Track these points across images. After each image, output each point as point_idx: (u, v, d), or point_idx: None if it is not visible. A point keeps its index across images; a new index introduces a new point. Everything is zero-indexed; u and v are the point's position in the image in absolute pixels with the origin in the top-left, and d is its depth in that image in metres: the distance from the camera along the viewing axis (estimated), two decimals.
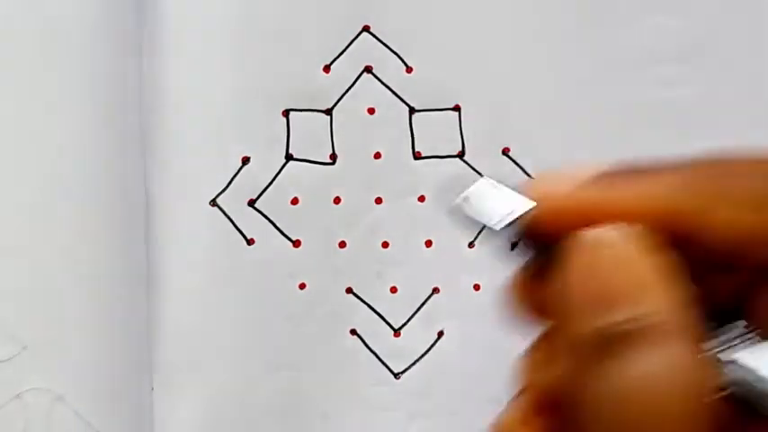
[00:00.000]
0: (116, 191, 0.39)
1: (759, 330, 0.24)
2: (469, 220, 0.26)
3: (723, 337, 0.24)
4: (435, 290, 0.40)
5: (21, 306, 0.39)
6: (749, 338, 0.24)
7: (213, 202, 0.38)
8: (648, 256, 0.24)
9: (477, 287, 0.40)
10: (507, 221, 0.24)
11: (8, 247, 0.39)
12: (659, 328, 0.23)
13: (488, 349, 0.40)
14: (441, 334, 0.40)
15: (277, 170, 0.39)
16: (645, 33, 0.40)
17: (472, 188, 0.26)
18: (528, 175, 0.40)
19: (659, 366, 0.23)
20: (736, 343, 0.24)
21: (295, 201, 0.39)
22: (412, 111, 0.39)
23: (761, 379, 0.23)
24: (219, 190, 0.38)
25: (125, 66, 0.39)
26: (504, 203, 0.24)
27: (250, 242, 0.39)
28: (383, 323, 0.40)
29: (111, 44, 0.39)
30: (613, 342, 0.23)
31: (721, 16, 0.40)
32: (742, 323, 0.24)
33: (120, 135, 0.39)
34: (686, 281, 0.24)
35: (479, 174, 0.40)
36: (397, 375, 0.40)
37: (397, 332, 0.40)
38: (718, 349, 0.24)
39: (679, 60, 0.40)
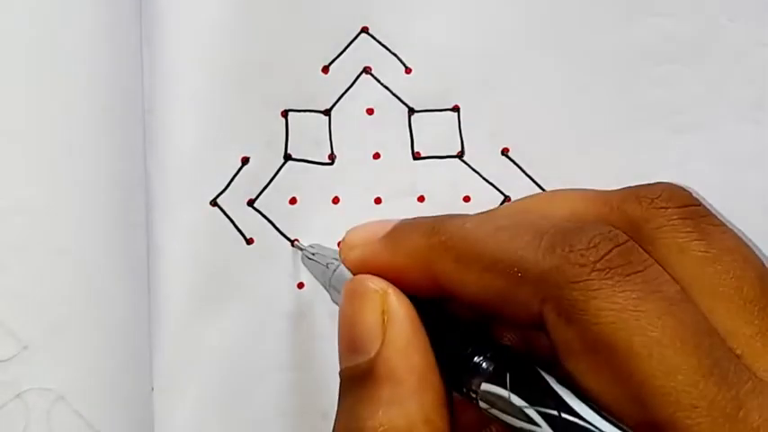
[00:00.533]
0: (116, 191, 0.39)
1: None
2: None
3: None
4: None
5: (21, 306, 0.39)
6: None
7: (213, 203, 0.38)
8: (391, 305, 0.27)
9: None
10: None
11: (8, 247, 0.39)
12: (385, 371, 0.25)
13: None
14: None
15: (276, 170, 0.39)
16: (645, 33, 0.40)
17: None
18: (528, 175, 0.40)
19: (379, 407, 0.25)
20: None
21: (294, 201, 0.39)
22: (411, 111, 0.39)
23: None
24: (220, 190, 0.38)
25: (125, 66, 0.39)
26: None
27: (250, 242, 0.39)
28: None
29: (111, 44, 0.39)
30: (353, 382, 0.25)
31: (721, 16, 0.40)
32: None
33: (120, 135, 0.39)
34: (433, 325, 0.27)
35: (479, 174, 0.40)
36: None
37: None
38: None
39: (679, 60, 0.40)
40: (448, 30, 0.39)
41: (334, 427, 0.27)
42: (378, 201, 0.39)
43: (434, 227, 0.28)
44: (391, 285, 0.28)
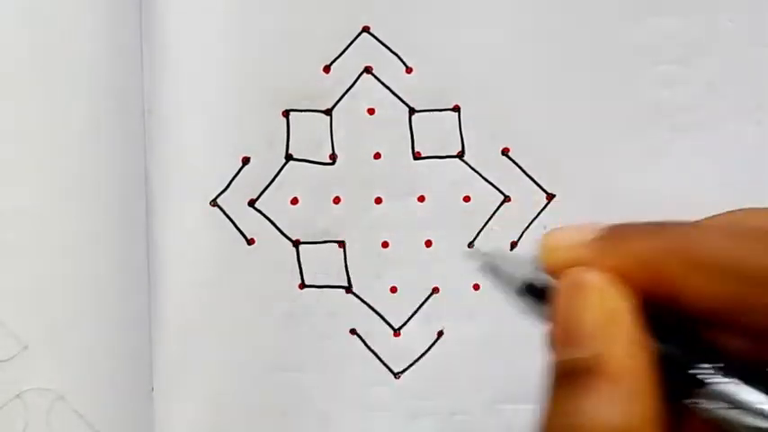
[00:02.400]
0: (116, 191, 0.39)
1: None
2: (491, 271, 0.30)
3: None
4: (435, 290, 0.40)
5: (21, 306, 0.39)
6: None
7: (214, 202, 0.38)
8: (615, 302, 0.26)
9: (476, 287, 0.40)
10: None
11: (8, 246, 0.39)
12: (610, 369, 0.25)
13: (488, 349, 0.40)
14: (441, 334, 0.40)
15: (277, 170, 0.39)
16: (645, 33, 0.40)
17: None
18: (528, 175, 0.40)
19: (599, 404, 0.25)
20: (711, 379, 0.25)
21: (295, 201, 0.39)
22: (412, 111, 0.39)
23: (738, 402, 0.24)
24: (220, 190, 0.38)
25: (125, 66, 0.39)
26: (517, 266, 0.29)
27: (250, 242, 0.39)
28: (383, 323, 0.40)
29: (111, 44, 0.39)
30: (571, 376, 0.25)
31: (721, 16, 0.40)
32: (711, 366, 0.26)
33: (121, 135, 0.39)
34: (650, 328, 0.26)
35: (479, 174, 0.40)
36: (397, 375, 0.40)
37: (397, 332, 0.40)
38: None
39: (679, 60, 0.40)
40: (448, 30, 0.39)
41: (544, 421, 0.26)
42: (378, 200, 0.39)
43: (656, 230, 0.27)
44: (621, 282, 0.27)
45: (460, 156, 0.40)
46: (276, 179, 0.39)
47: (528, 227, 0.40)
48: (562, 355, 0.26)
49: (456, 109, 0.40)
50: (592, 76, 0.40)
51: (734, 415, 0.25)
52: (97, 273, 0.39)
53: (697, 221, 0.29)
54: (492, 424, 0.40)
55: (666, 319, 0.28)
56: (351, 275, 0.40)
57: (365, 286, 0.40)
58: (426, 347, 0.40)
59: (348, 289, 0.40)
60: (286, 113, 0.39)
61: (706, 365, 0.25)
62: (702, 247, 0.25)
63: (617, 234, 0.28)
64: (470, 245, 0.40)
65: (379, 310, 0.40)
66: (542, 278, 0.30)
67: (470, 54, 0.39)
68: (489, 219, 0.40)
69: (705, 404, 0.25)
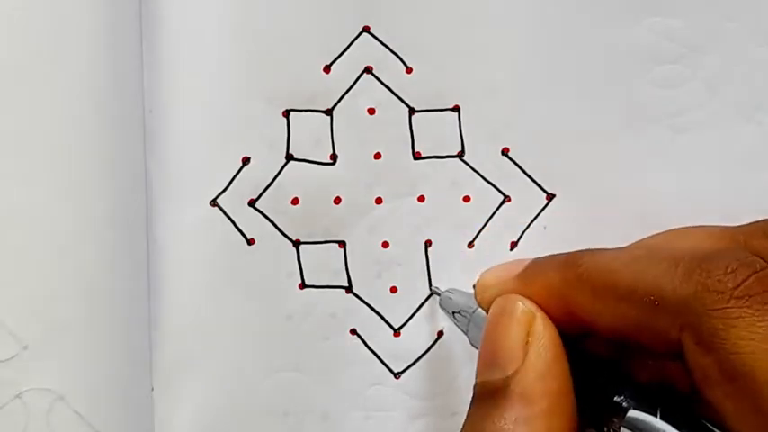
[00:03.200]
0: (116, 191, 0.39)
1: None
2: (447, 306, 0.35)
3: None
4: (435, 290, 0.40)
5: (21, 306, 0.39)
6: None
7: (214, 203, 0.38)
8: (534, 327, 0.27)
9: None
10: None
11: (8, 246, 0.39)
12: (521, 390, 0.25)
13: None
14: (441, 334, 0.40)
15: (277, 170, 0.39)
16: (645, 33, 0.40)
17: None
18: (528, 175, 0.40)
19: (506, 424, 0.25)
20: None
21: (295, 201, 0.39)
22: (412, 111, 0.39)
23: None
24: (220, 190, 0.38)
25: (125, 66, 0.39)
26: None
27: (250, 242, 0.39)
28: (383, 323, 0.40)
29: (111, 44, 0.39)
30: (485, 397, 0.26)
31: (721, 16, 0.40)
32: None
33: (121, 135, 0.39)
34: (575, 357, 0.27)
35: (479, 174, 0.40)
36: (397, 375, 0.40)
37: (397, 332, 0.40)
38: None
39: (679, 60, 0.40)
40: (449, 30, 0.39)
41: None
42: (378, 201, 0.39)
43: (569, 261, 0.28)
44: (539, 310, 0.28)
45: (460, 156, 0.40)
46: (276, 179, 0.39)
47: (528, 227, 0.40)
48: (482, 376, 0.27)
49: (456, 109, 0.40)
50: (592, 76, 0.40)
51: None
52: (97, 273, 0.39)
53: (625, 246, 0.30)
54: None
55: (591, 350, 0.28)
56: (351, 275, 0.40)
57: (365, 286, 0.40)
58: (426, 347, 0.40)
59: (348, 289, 0.40)
60: (286, 113, 0.39)
61: (623, 396, 0.26)
62: (607, 275, 0.26)
63: (536, 268, 0.29)
64: (470, 245, 0.40)
65: (379, 310, 0.40)
66: (483, 317, 0.31)
67: (470, 54, 0.39)
68: (489, 219, 0.40)
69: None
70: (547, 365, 0.26)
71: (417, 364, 0.40)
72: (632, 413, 0.25)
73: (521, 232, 0.40)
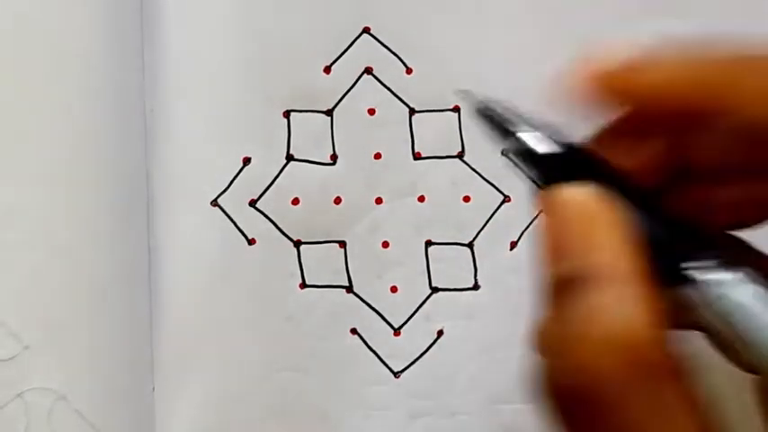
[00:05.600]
0: (116, 191, 0.39)
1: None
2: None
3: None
4: (435, 290, 0.40)
5: (22, 306, 0.39)
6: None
7: (214, 203, 0.38)
8: (598, 211, 0.26)
9: (476, 287, 0.40)
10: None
11: (8, 246, 0.39)
12: (602, 275, 0.25)
13: (488, 349, 0.40)
14: (441, 333, 0.40)
15: (278, 170, 0.39)
16: (645, 34, 0.40)
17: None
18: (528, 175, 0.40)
19: (594, 310, 0.25)
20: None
21: (296, 201, 0.39)
22: (412, 111, 0.39)
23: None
24: (221, 190, 0.38)
25: (126, 66, 0.39)
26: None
27: (251, 242, 0.39)
28: (383, 323, 0.40)
29: (113, 44, 0.39)
30: (565, 288, 0.25)
31: (721, 17, 0.40)
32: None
33: (121, 135, 0.39)
34: (643, 225, 0.26)
35: (479, 174, 0.40)
36: (396, 375, 0.40)
37: (397, 332, 0.40)
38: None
39: None
40: (448, 30, 0.39)
41: (542, 332, 0.26)
42: (378, 200, 0.40)
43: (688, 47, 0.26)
44: (596, 190, 0.27)
45: (460, 156, 0.40)
46: (277, 179, 0.39)
47: (528, 227, 0.40)
48: (556, 268, 0.26)
49: (456, 109, 0.40)
50: None
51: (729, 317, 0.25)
52: (97, 273, 0.39)
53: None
54: (492, 424, 0.40)
55: (661, 212, 0.27)
56: (351, 275, 0.40)
57: (365, 286, 0.40)
58: (426, 347, 0.40)
59: (348, 289, 0.40)
60: (287, 114, 0.39)
61: (699, 261, 0.25)
62: (758, 56, 0.25)
63: (665, 53, 0.27)
64: (470, 245, 0.40)
65: (379, 310, 0.40)
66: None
67: (470, 55, 0.40)
68: (489, 219, 0.40)
69: (697, 298, 0.25)
70: (622, 245, 0.26)
71: (417, 363, 0.40)
72: (706, 278, 0.25)
73: (521, 232, 0.40)
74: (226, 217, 0.39)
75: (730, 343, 0.25)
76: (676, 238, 0.26)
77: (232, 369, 0.39)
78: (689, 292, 0.25)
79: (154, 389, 0.39)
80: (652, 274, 0.26)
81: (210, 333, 0.39)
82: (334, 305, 0.40)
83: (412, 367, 0.40)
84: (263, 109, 0.38)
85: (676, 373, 0.25)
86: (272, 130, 0.39)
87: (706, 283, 0.25)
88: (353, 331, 0.40)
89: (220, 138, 0.38)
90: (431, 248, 0.40)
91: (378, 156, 0.39)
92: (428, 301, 0.40)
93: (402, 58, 0.39)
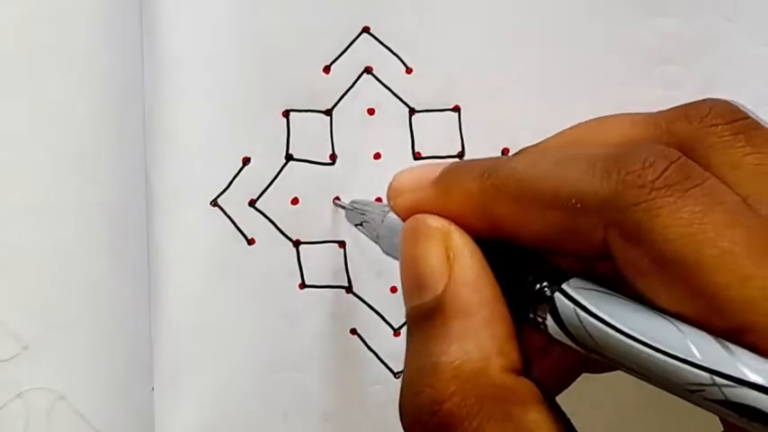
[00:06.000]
0: (116, 191, 0.39)
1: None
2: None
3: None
4: None
5: (21, 306, 0.39)
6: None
7: (214, 202, 0.38)
8: (453, 242, 0.27)
9: None
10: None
11: (8, 246, 0.39)
12: (455, 307, 0.25)
13: None
14: None
15: (277, 170, 0.39)
16: (645, 34, 0.40)
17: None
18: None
19: (450, 342, 0.25)
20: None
21: (295, 201, 0.39)
22: (412, 111, 0.39)
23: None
24: (220, 190, 0.38)
25: (125, 66, 0.39)
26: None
27: (250, 242, 0.39)
28: (383, 323, 0.40)
29: (112, 44, 0.39)
30: (421, 320, 0.25)
31: (721, 17, 0.40)
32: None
33: (121, 135, 0.39)
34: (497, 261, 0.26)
35: None
36: (397, 375, 0.40)
37: (397, 332, 0.40)
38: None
39: (679, 60, 0.40)
40: (448, 30, 0.39)
41: (404, 367, 0.27)
42: (378, 200, 0.39)
43: (486, 170, 0.27)
44: (452, 223, 0.27)
45: (460, 156, 0.40)
46: (276, 179, 0.39)
47: None
48: (412, 301, 0.27)
49: (456, 109, 0.40)
50: (592, 77, 0.40)
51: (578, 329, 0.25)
52: (97, 273, 0.39)
53: (528, 150, 0.29)
54: None
55: (507, 249, 0.28)
56: (351, 275, 0.40)
57: (365, 286, 0.40)
58: None
59: (348, 289, 0.40)
60: (286, 114, 0.39)
61: (545, 283, 0.26)
62: (526, 184, 0.26)
63: (452, 176, 0.28)
64: None
65: (379, 310, 0.40)
66: (395, 222, 0.30)
67: (471, 54, 0.39)
68: None
69: (549, 321, 0.25)
70: (475, 276, 0.26)
71: None
72: (558, 295, 0.25)
73: None
74: (225, 217, 0.38)
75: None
76: (521, 268, 0.27)
77: (232, 369, 0.39)
78: (542, 311, 0.26)
79: (153, 389, 0.39)
80: (509, 302, 0.26)
81: (210, 333, 0.39)
82: (334, 305, 0.40)
83: None
84: (263, 109, 0.38)
85: (531, 399, 0.25)
86: (272, 129, 0.39)
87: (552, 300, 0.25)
88: (353, 331, 0.40)
89: (220, 138, 0.38)
90: None
91: (378, 156, 0.39)
92: None
93: (402, 57, 0.39)
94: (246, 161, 0.39)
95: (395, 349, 0.40)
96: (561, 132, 0.31)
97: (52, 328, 0.39)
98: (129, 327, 0.39)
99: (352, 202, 0.37)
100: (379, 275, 0.40)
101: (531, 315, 0.26)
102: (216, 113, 0.38)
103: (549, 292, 0.26)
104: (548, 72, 0.40)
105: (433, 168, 0.29)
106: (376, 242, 0.33)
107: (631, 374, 0.24)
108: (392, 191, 0.30)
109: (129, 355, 0.39)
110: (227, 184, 0.38)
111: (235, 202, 0.39)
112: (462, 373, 0.25)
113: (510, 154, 0.40)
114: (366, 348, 0.40)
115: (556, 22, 0.40)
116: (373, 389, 0.40)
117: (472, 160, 0.29)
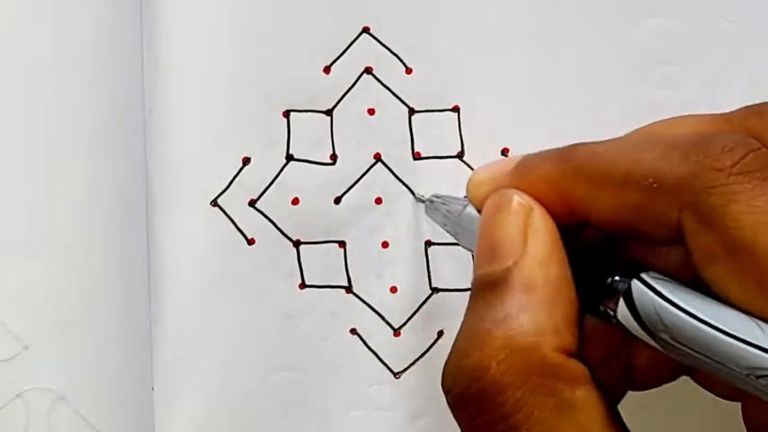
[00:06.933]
0: (116, 191, 0.39)
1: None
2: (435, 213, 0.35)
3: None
4: (435, 290, 0.40)
5: (21, 306, 0.39)
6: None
7: (214, 203, 0.38)
8: (530, 218, 0.27)
9: None
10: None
11: (8, 246, 0.39)
12: (521, 280, 0.25)
13: None
14: (441, 334, 0.40)
15: (278, 170, 0.39)
16: (645, 34, 0.40)
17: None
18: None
19: (508, 312, 0.25)
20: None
21: (295, 201, 0.39)
22: (412, 111, 0.39)
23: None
24: (220, 190, 0.38)
25: (126, 66, 0.39)
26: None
27: (250, 242, 0.39)
28: (383, 323, 0.40)
29: (112, 45, 0.39)
30: (487, 288, 0.25)
31: (721, 17, 0.40)
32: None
33: (121, 135, 0.39)
34: (573, 246, 0.27)
35: None
36: (396, 375, 0.40)
37: (397, 332, 0.40)
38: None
39: (679, 60, 0.40)
40: (448, 30, 0.39)
41: (459, 330, 0.27)
42: (378, 200, 0.40)
43: (564, 154, 0.28)
44: (535, 201, 0.27)
45: (460, 156, 0.40)
46: (276, 179, 0.39)
47: None
48: (482, 269, 0.27)
49: (456, 109, 0.40)
50: (591, 77, 0.40)
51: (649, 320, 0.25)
52: (97, 273, 0.39)
53: (620, 137, 0.30)
54: None
55: (587, 238, 0.28)
56: (351, 275, 0.40)
57: (365, 286, 0.40)
58: (426, 347, 0.40)
59: (348, 289, 0.40)
60: (286, 114, 0.39)
61: (617, 277, 0.26)
62: (603, 164, 0.26)
63: (530, 163, 0.29)
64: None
65: (379, 310, 0.40)
66: (474, 214, 0.31)
67: (470, 54, 0.39)
68: None
69: (618, 311, 0.26)
70: (547, 254, 0.26)
71: (417, 363, 0.40)
72: (636, 282, 0.25)
73: None
74: (225, 217, 0.38)
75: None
76: (597, 262, 0.27)
77: (232, 369, 0.39)
78: (610, 304, 0.26)
79: (153, 389, 0.39)
80: (578, 286, 0.26)
81: (210, 333, 0.39)
82: (334, 305, 0.40)
83: (412, 367, 0.40)
84: (263, 109, 0.38)
85: (580, 379, 0.25)
86: (272, 129, 0.39)
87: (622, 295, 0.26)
88: (353, 331, 0.40)
89: (220, 138, 0.38)
90: (431, 248, 0.40)
91: (377, 155, 0.39)
92: (428, 302, 0.40)
93: (402, 58, 0.39)
94: (246, 161, 0.39)
95: (395, 349, 0.40)
96: (634, 130, 0.31)
97: (52, 327, 0.39)
98: (129, 327, 0.39)
99: (433, 195, 0.37)
100: (379, 275, 0.40)
101: (602, 308, 0.26)
102: (216, 113, 0.38)
103: (623, 283, 0.26)
104: (548, 72, 0.40)
105: (510, 160, 0.30)
106: (455, 237, 0.34)
107: (696, 363, 0.25)
108: (471, 184, 0.31)
109: (129, 354, 0.39)
110: (227, 184, 0.38)
111: (235, 202, 0.39)
112: (514, 343, 0.25)
113: (510, 154, 0.40)
114: (366, 348, 0.40)
115: (555, 23, 0.40)
116: (373, 389, 0.40)
117: (550, 149, 0.29)
